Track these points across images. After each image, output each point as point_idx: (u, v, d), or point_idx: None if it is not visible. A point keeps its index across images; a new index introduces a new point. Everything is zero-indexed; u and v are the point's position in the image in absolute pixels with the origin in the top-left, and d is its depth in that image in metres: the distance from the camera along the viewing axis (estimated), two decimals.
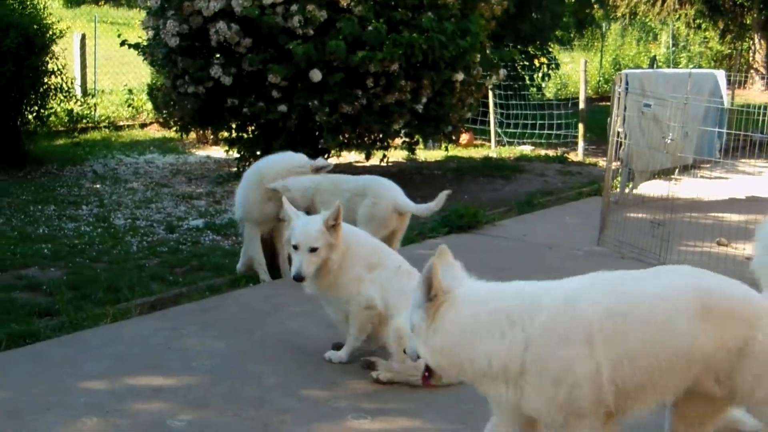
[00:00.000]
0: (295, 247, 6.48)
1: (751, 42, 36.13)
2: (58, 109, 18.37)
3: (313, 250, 6.46)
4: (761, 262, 5.10)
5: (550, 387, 4.36)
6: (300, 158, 9.26)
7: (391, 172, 16.22)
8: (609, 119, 11.95)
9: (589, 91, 22.80)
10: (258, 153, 14.55)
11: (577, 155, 18.91)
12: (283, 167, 9.09)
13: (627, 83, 12.52)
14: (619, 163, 12.97)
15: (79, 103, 19.85)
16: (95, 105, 20.74)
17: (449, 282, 4.64)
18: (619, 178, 13.87)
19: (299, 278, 6.48)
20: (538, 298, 4.53)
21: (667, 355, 4.45)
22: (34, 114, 16.28)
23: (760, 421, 4.78)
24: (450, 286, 4.61)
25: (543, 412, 4.43)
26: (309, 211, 8.90)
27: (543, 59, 23.40)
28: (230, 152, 15.33)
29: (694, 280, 4.69)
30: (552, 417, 4.44)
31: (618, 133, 11.68)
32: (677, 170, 13.64)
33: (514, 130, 20.22)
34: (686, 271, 4.83)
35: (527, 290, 4.66)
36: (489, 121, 20.15)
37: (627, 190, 13.89)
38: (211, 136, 17.71)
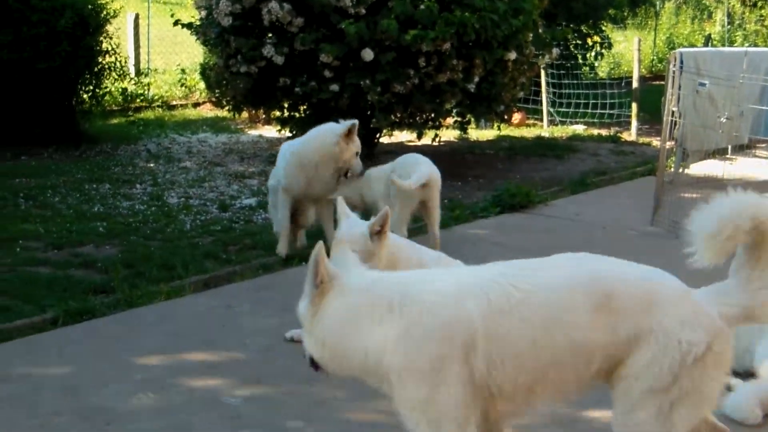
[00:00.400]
0: None
1: None
2: (112, 89, 18.57)
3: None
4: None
5: (413, 387, 4.00)
6: (331, 136, 9.09)
7: (443, 152, 16.21)
8: (663, 98, 11.85)
9: (643, 70, 22.58)
10: None
11: (630, 135, 18.77)
12: (322, 152, 9.09)
13: (682, 62, 12.39)
14: (673, 142, 12.86)
15: (132, 82, 20.04)
16: (149, 84, 20.89)
17: (338, 270, 4.32)
18: (673, 158, 13.76)
19: None
20: (422, 287, 4.15)
21: (560, 353, 4.05)
22: (89, 93, 16.44)
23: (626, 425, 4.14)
24: (337, 274, 4.29)
25: (404, 413, 4.08)
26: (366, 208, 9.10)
27: (596, 38, 23.19)
28: (282, 131, 15.37)
29: (593, 268, 4.28)
30: (412, 421, 4.06)
31: (672, 112, 11.57)
32: (732, 150, 13.50)
33: (567, 110, 20.09)
34: (584, 259, 4.42)
35: (414, 278, 4.33)
36: (541, 101, 20.04)
37: (681, 170, 13.76)
38: (263, 116, 17.78)
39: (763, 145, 16.28)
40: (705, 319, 4.10)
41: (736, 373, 6.41)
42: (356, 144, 9.10)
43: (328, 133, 9.14)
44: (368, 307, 4.13)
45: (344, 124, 9.02)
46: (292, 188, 9.20)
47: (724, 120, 11.39)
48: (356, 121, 9.12)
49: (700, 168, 13.63)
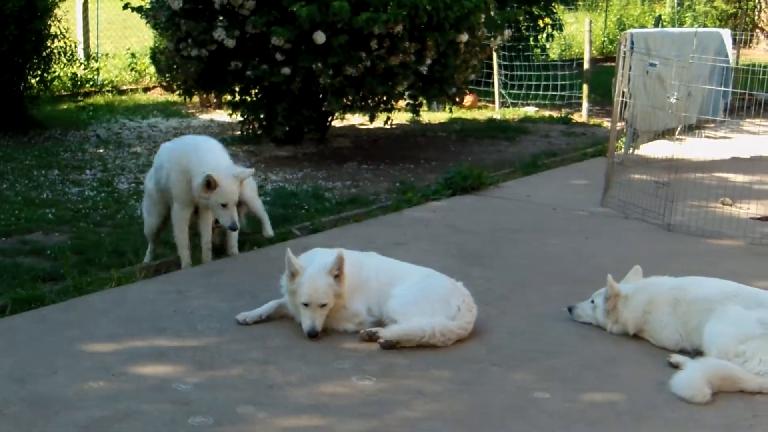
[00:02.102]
0: (305, 305, 6.55)
1: (757, 1, 35.95)
2: (62, 74, 18.36)
3: (323, 305, 6.58)
4: None
5: None
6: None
7: (395, 135, 16.25)
8: (613, 80, 11.92)
9: (594, 52, 22.66)
10: (261, 116, 14.52)
11: (581, 116, 18.85)
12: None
13: (632, 43, 12.45)
14: (623, 123, 12.94)
15: (82, 67, 19.84)
16: (98, 69, 20.70)
17: None
18: (623, 139, 13.85)
19: (315, 335, 6.54)
20: None
21: None
22: (38, 78, 16.27)
23: None
24: None
25: None
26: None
27: (547, 20, 23.25)
28: (234, 116, 15.30)
29: None
30: None
31: (623, 93, 11.64)
32: (681, 130, 13.60)
33: (519, 92, 20.14)
34: None
35: None
36: (493, 83, 20.08)
37: (631, 151, 13.86)
38: (215, 100, 17.68)
39: (712, 125, 16.46)
40: None
41: (685, 352, 6.49)
42: (223, 195, 8.08)
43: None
44: None
45: (204, 175, 8.03)
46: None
47: (674, 101, 11.46)
48: (212, 176, 8.01)
49: (649, 149, 13.74)
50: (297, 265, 6.64)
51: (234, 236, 8.80)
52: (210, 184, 7.97)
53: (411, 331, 6.44)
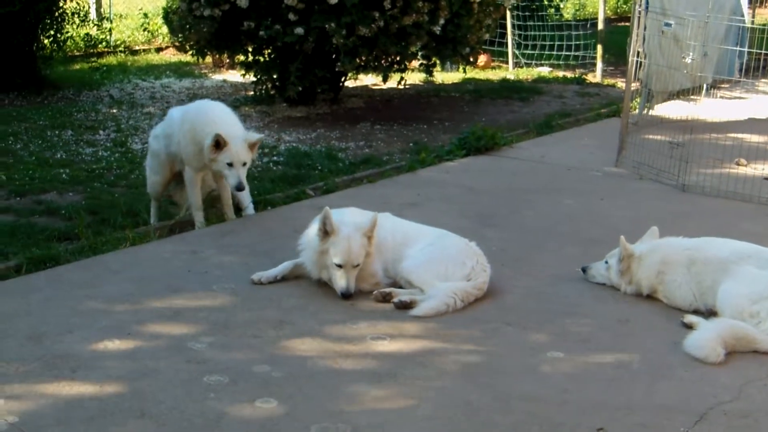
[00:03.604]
0: (339, 265, 6.58)
1: None
2: (74, 34, 18.34)
3: (356, 266, 6.63)
4: None
5: None
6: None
7: (409, 95, 16.19)
8: (628, 39, 11.84)
9: (608, 11, 22.53)
10: (274, 76, 14.48)
11: (595, 76, 18.78)
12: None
13: (647, 2, 12.36)
14: (638, 83, 12.87)
15: (95, 27, 19.80)
16: (111, 29, 20.66)
17: None
18: (638, 99, 13.78)
19: (350, 296, 6.59)
20: None
21: None
22: (51, 39, 16.24)
23: None
24: None
25: None
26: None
27: None
28: (246, 76, 15.27)
29: None
30: None
31: (638, 53, 11.57)
32: (697, 90, 13.54)
33: (532, 52, 20.05)
34: None
35: None
36: (507, 43, 20.00)
37: (646, 111, 13.79)
38: (227, 60, 17.63)
39: (727, 85, 16.36)
40: None
41: (698, 312, 6.49)
42: (230, 154, 8.08)
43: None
44: None
45: (213, 135, 8.03)
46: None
47: (689, 61, 11.40)
48: (221, 135, 8.01)
49: (664, 109, 13.67)
50: (335, 225, 6.64)
51: (247, 196, 8.81)
52: (219, 143, 7.97)
53: (438, 308, 6.43)
